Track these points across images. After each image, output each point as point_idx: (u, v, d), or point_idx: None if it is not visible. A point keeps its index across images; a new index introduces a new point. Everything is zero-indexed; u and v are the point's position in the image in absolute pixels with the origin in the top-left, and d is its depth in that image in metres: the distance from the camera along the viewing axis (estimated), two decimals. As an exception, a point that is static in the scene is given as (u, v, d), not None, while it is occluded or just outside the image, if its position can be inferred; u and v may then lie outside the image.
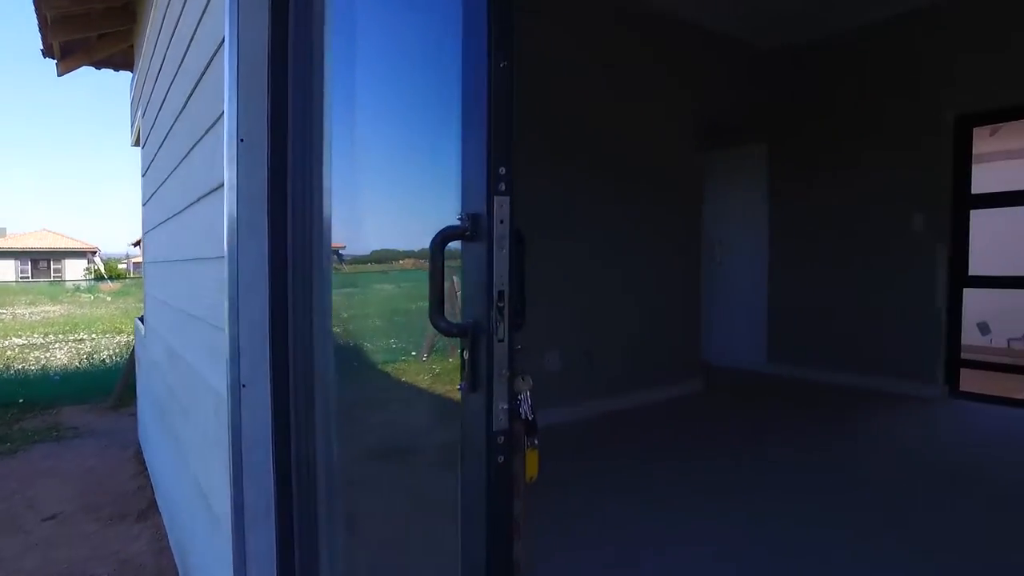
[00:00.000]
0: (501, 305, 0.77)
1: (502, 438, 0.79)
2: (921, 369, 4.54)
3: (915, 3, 4.45)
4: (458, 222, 0.80)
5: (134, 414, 4.58)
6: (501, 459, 0.79)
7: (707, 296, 5.87)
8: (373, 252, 1.45)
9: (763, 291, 5.52)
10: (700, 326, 4.85)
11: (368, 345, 1.56)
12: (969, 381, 4.59)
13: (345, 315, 1.45)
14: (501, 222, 0.76)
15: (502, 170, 0.75)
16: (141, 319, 4.13)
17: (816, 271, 5.12)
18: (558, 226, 3.95)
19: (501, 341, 0.78)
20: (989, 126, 7.38)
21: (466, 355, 0.80)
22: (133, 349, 5.38)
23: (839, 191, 4.97)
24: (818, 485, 2.84)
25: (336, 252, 1.35)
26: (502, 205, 0.75)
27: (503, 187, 0.75)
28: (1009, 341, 7.76)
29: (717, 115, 4.93)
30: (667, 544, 2.28)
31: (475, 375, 0.80)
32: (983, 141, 7.65)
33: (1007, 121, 4.51)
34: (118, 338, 9.40)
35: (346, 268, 1.43)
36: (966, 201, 4.42)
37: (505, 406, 0.80)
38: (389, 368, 1.53)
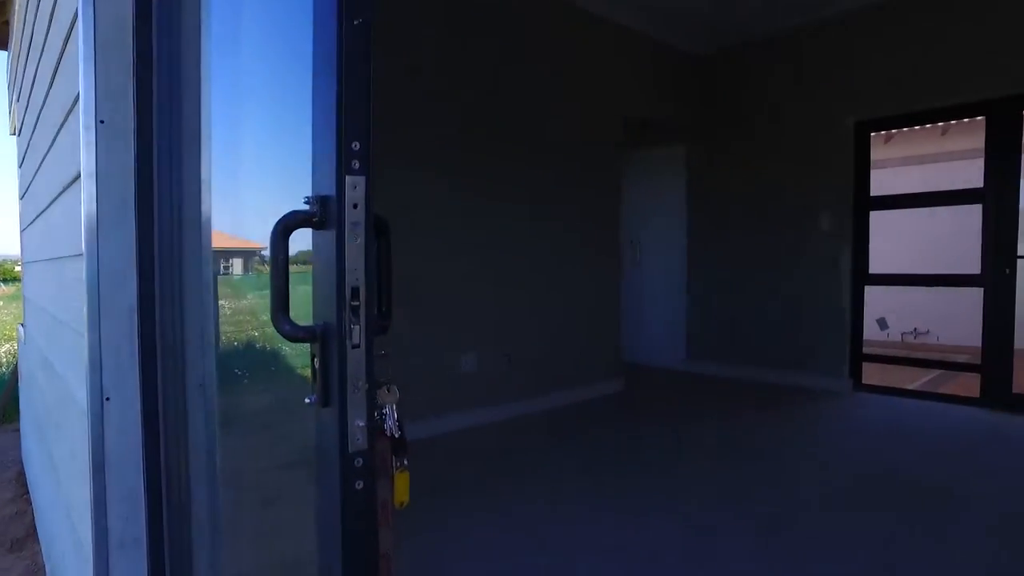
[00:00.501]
0: (356, 304, 0.65)
1: (360, 460, 0.68)
2: (829, 364, 4.74)
3: (820, 14, 4.65)
4: (305, 206, 0.68)
5: (18, 430, 4.18)
6: (360, 485, 0.68)
7: (627, 296, 5.94)
8: (299, 252, 1.32)
9: (681, 290, 5.63)
10: (620, 326, 4.88)
11: (273, 351, 1.43)
12: (870, 374, 4.83)
13: (254, 319, 1.31)
14: (355, 206, 0.64)
15: (355, 145, 0.64)
16: (23, 325, 3.77)
17: (732, 271, 5.26)
18: (475, 223, 3.87)
19: (356, 347, 0.67)
20: (885, 133, 7.91)
21: (317, 363, 0.69)
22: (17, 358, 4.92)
23: (752, 193, 5.12)
24: (725, 482, 2.88)
25: (257, 253, 1.22)
26: (356, 186, 0.64)
27: (357, 165, 0.64)
28: (903, 335, 8.29)
29: (637, 115, 4.97)
30: (574, 550, 2.24)
31: (326, 387, 0.68)
32: (880, 148, 8.15)
33: (897, 128, 4.76)
34: (6, 346, 8.63)
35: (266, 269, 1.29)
36: (866, 203, 4.65)
37: (363, 423, 0.69)
38: (293, 375, 1.41)
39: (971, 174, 4.28)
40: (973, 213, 4.24)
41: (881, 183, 4.77)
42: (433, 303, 3.65)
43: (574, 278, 4.49)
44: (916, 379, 5.68)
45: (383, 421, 0.69)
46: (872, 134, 4.69)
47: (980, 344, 4.25)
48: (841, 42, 4.62)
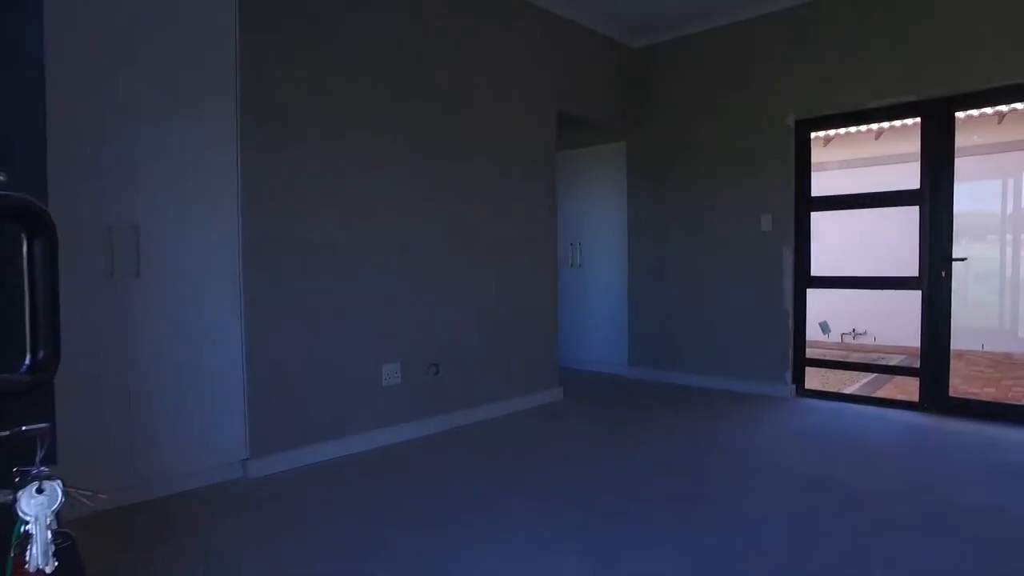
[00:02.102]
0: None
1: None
2: (772, 369, 4.62)
3: (762, 10, 4.54)
4: None
5: None
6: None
7: (567, 300, 5.73)
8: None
9: (623, 294, 5.45)
10: (557, 332, 4.65)
11: None
12: (813, 377, 4.75)
13: None
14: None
15: None
16: None
17: (675, 274, 5.11)
18: (399, 225, 3.56)
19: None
20: (823, 136, 7.96)
21: None
22: None
23: (693, 192, 4.98)
24: (663, 489, 2.67)
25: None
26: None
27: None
28: (842, 335, 8.36)
29: (572, 111, 4.76)
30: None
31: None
32: (819, 151, 8.20)
33: (838, 127, 4.69)
34: None
35: None
36: (807, 204, 4.55)
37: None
38: None
39: (906, 177, 4.22)
40: (912, 215, 4.18)
41: (820, 186, 4.69)
42: (351, 311, 3.33)
43: (508, 282, 4.23)
44: (857, 381, 5.67)
45: (22, 550, 0.39)
46: (812, 135, 4.60)
47: (913, 343, 4.20)
48: (782, 39, 4.51)
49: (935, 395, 4.09)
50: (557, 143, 4.65)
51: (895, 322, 6.79)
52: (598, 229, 5.65)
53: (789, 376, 4.56)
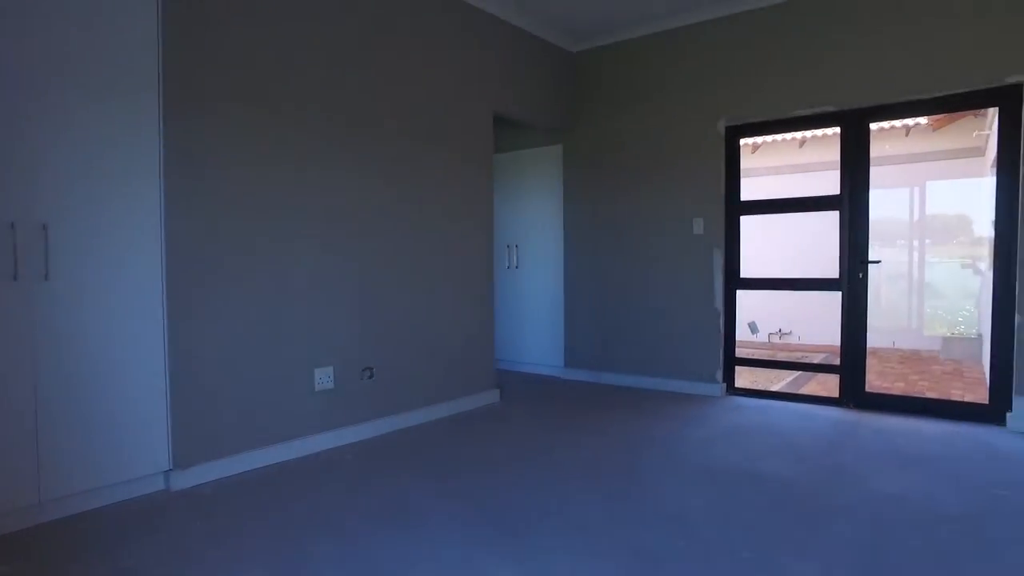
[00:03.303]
0: None
1: None
2: (703, 369, 4.74)
3: (695, 18, 4.66)
4: None
5: None
6: None
7: (504, 302, 5.73)
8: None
9: (559, 296, 5.49)
10: (493, 334, 4.63)
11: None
12: (742, 376, 4.91)
13: None
14: None
15: None
16: None
17: (610, 275, 5.18)
18: (334, 226, 3.47)
19: None
20: (751, 143, 8.28)
21: None
22: None
23: (630, 195, 5.06)
24: (598, 489, 2.69)
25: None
26: None
27: None
28: (769, 335, 8.71)
29: (509, 113, 4.75)
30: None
31: None
32: (747, 158, 8.52)
33: (766, 133, 4.86)
34: None
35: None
36: (737, 208, 4.70)
37: None
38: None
39: (828, 184, 4.42)
40: (833, 220, 4.38)
41: (750, 191, 4.85)
42: (282, 314, 3.21)
43: (444, 285, 4.18)
44: (783, 378, 5.91)
45: None
46: (742, 141, 4.76)
47: (835, 342, 4.39)
48: (714, 48, 4.64)
49: (853, 391, 4.30)
50: (494, 145, 4.63)
51: (818, 322, 7.12)
52: (535, 231, 5.68)
53: (720, 375, 4.69)
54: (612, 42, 5.11)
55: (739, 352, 4.93)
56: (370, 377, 3.68)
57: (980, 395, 4.04)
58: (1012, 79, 3.66)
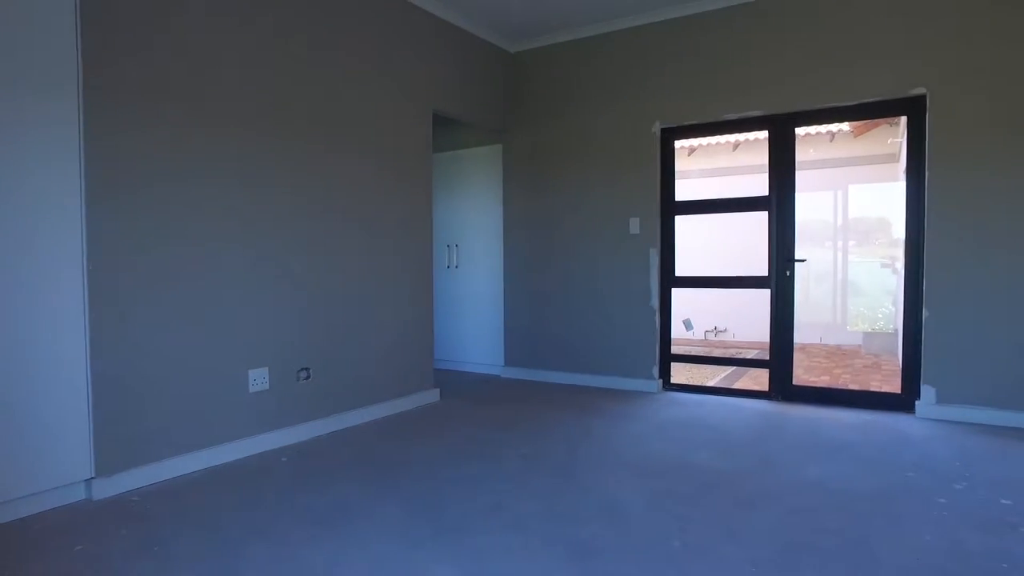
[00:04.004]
0: None
1: None
2: (641, 366, 4.86)
3: (633, 22, 4.78)
4: None
5: None
6: None
7: (444, 301, 5.72)
8: None
9: (499, 295, 5.52)
10: (433, 333, 4.62)
11: None
12: (678, 372, 5.05)
13: None
14: None
15: None
16: None
17: (549, 275, 5.24)
18: (265, 225, 3.39)
19: None
20: (688, 146, 8.52)
21: None
22: None
23: (568, 195, 5.14)
24: (537, 485, 2.73)
25: None
26: None
27: None
28: (705, 332, 8.98)
29: (448, 111, 4.76)
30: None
31: None
32: (685, 160, 8.77)
33: (698, 135, 5.01)
34: None
35: None
36: (672, 208, 4.83)
37: None
38: None
39: (758, 186, 4.60)
40: (763, 220, 4.56)
41: (685, 192, 5.00)
42: (215, 314, 3.12)
43: (382, 284, 4.15)
44: (718, 374, 6.11)
45: None
46: (677, 144, 4.90)
47: (766, 339, 4.58)
48: (650, 51, 4.77)
49: (782, 384, 4.49)
50: (434, 144, 4.63)
51: (751, 319, 7.38)
52: (475, 231, 5.69)
53: (656, 372, 4.82)
54: (550, 44, 5.18)
55: (675, 349, 5.07)
56: (307, 378, 3.62)
57: (895, 385, 4.29)
58: (916, 91, 3.91)
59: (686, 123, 4.70)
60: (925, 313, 3.93)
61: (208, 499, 2.69)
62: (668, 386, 4.90)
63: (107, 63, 2.69)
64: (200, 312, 3.06)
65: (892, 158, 7.66)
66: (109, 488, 2.70)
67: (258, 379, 3.34)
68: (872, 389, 5.29)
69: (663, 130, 4.78)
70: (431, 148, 4.55)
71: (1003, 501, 2.61)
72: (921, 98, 3.93)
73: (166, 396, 2.93)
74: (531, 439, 3.59)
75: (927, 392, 3.93)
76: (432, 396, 4.55)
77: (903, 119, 4.18)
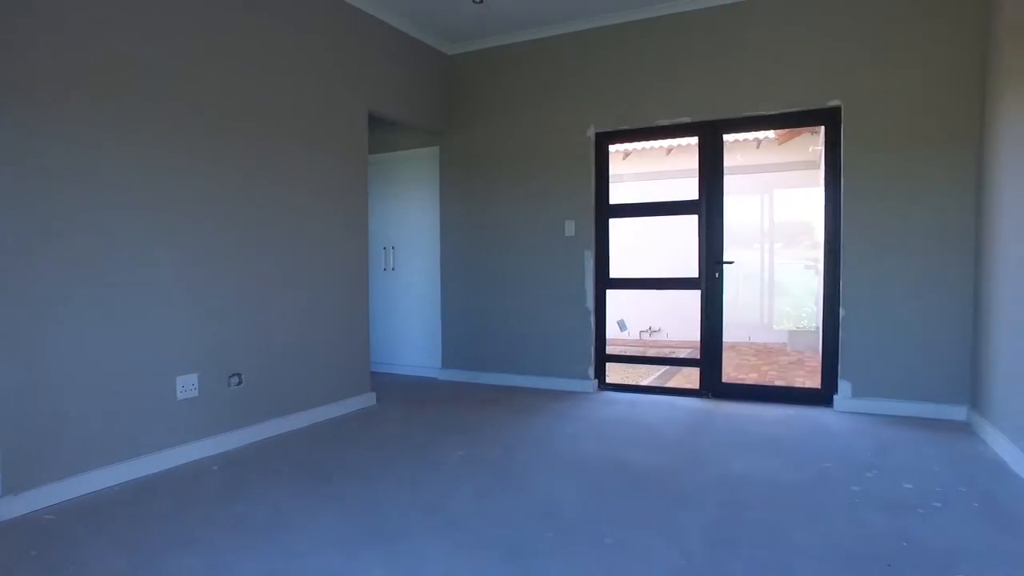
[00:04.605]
0: None
1: None
2: (577, 366, 4.94)
3: (567, 28, 4.86)
4: None
5: None
6: None
7: (381, 304, 5.67)
8: None
9: (436, 297, 5.51)
10: (369, 336, 4.57)
11: None
12: (614, 372, 5.16)
13: None
14: None
15: None
16: None
17: (486, 277, 5.26)
18: (193, 226, 3.28)
19: None
20: (623, 151, 8.71)
21: None
22: None
23: (505, 198, 5.17)
24: (473, 487, 2.75)
25: None
26: None
27: None
28: (640, 332, 9.19)
29: (388, 113, 4.72)
30: None
31: None
32: (620, 164, 8.95)
33: (631, 140, 5.15)
34: None
35: None
36: (607, 211, 4.94)
37: None
38: None
39: (690, 190, 4.75)
40: (693, 223, 4.72)
41: (620, 196, 5.11)
42: (139, 318, 3.00)
43: (316, 286, 4.08)
44: (652, 373, 6.26)
45: None
46: (611, 148, 5.01)
47: (698, 338, 4.73)
48: (585, 57, 4.86)
49: (712, 382, 4.66)
50: (371, 145, 4.58)
51: (683, 319, 7.61)
52: (413, 233, 5.66)
53: (592, 372, 4.91)
54: (487, 47, 5.21)
55: (610, 349, 5.18)
56: (238, 384, 3.52)
57: (816, 381, 4.52)
58: (832, 103, 4.14)
59: (620, 128, 4.81)
60: (842, 312, 4.16)
61: (132, 513, 2.58)
62: (604, 386, 5.00)
63: (14, 50, 2.55)
64: (124, 316, 2.94)
65: (814, 165, 8.04)
66: (18, 507, 2.55)
67: (187, 385, 3.23)
68: (796, 385, 5.55)
69: (598, 134, 4.88)
70: (367, 149, 4.50)
71: (906, 485, 2.80)
72: (837, 109, 4.15)
73: (85, 405, 2.80)
74: (468, 441, 3.60)
75: (844, 386, 4.16)
76: (369, 400, 4.50)
77: (822, 128, 4.40)
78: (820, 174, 4.51)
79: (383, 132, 5.39)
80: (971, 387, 3.83)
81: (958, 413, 3.87)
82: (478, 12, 4.62)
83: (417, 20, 4.79)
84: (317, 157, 4.05)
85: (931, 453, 3.25)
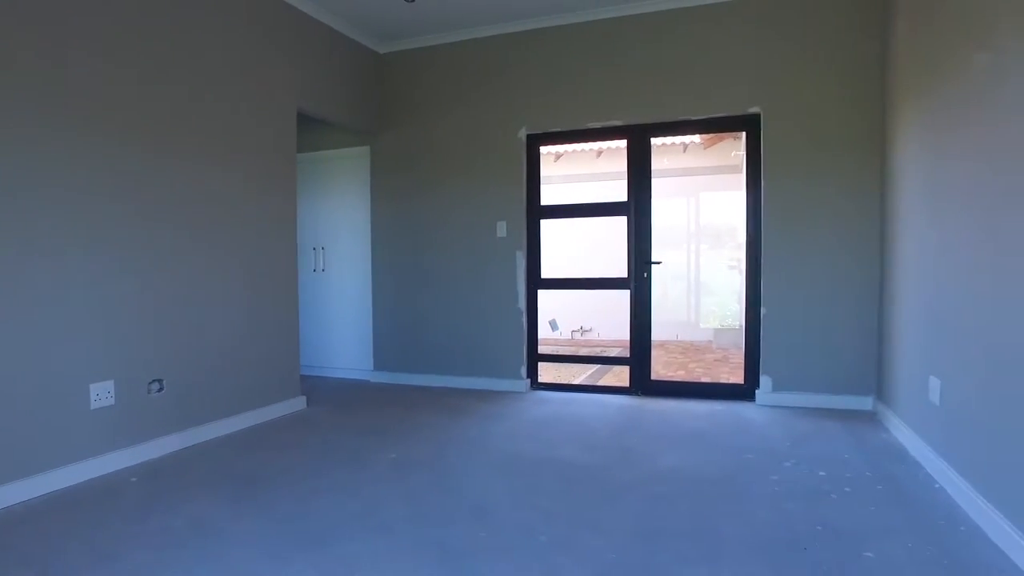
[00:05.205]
0: None
1: None
2: (509, 366, 4.97)
3: (500, 29, 4.89)
4: None
5: None
6: None
7: (311, 305, 5.54)
8: None
9: (368, 298, 5.43)
10: (299, 338, 4.46)
11: None
12: (546, 372, 5.22)
13: None
14: None
15: None
16: None
17: (419, 277, 5.23)
18: (110, 228, 3.12)
19: None
20: (554, 153, 8.82)
21: None
22: None
23: (437, 198, 5.15)
24: (405, 489, 2.73)
25: None
26: None
27: None
28: (572, 332, 9.34)
29: (318, 111, 4.62)
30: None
31: None
32: (551, 166, 9.07)
33: (561, 142, 5.23)
34: None
35: None
36: (538, 212, 5.00)
37: None
38: None
39: (620, 192, 4.86)
40: (623, 224, 4.83)
41: (552, 198, 5.18)
42: (46, 323, 2.82)
43: (243, 288, 3.95)
44: (584, 372, 6.37)
45: None
46: (543, 149, 5.07)
47: (628, 337, 4.86)
48: (517, 59, 4.90)
49: (641, 380, 4.79)
50: (300, 143, 4.47)
51: (614, 319, 7.78)
52: (343, 233, 5.56)
53: (524, 372, 4.96)
54: (419, 46, 5.18)
55: (542, 349, 5.24)
56: (159, 390, 3.37)
57: (740, 377, 4.71)
58: (753, 110, 4.34)
59: (551, 130, 4.88)
60: (763, 310, 4.36)
61: (40, 530, 2.43)
62: (536, 385, 5.06)
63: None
64: (30, 320, 2.76)
65: (737, 169, 8.38)
66: (-87, 525, 2.37)
67: (101, 393, 3.06)
68: (721, 381, 5.77)
69: (529, 136, 4.93)
70: (295, 147, 4.39)
71: (820, 473, 2.97)
72: (757, 116, 4.35)
73: (-14, 417, 2.61)
74: (400, 443, 3.57)
75: (765, 381, 4.36)
76: (298, 404, 4.40)
77: (744, 134, 4.60)
78: (743, 178, 4.71)
79: (313, 130, 5.27)
80: (877, 379, 4.09)
81: (865, 404, 4.13)
82: (410, 11, 4.58)
83: (349, 17, 4.71)
84: (243, 155, 3.92)
85: (842, 442, 3.45)
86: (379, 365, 5.38)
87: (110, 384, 3.11)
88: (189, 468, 3.17)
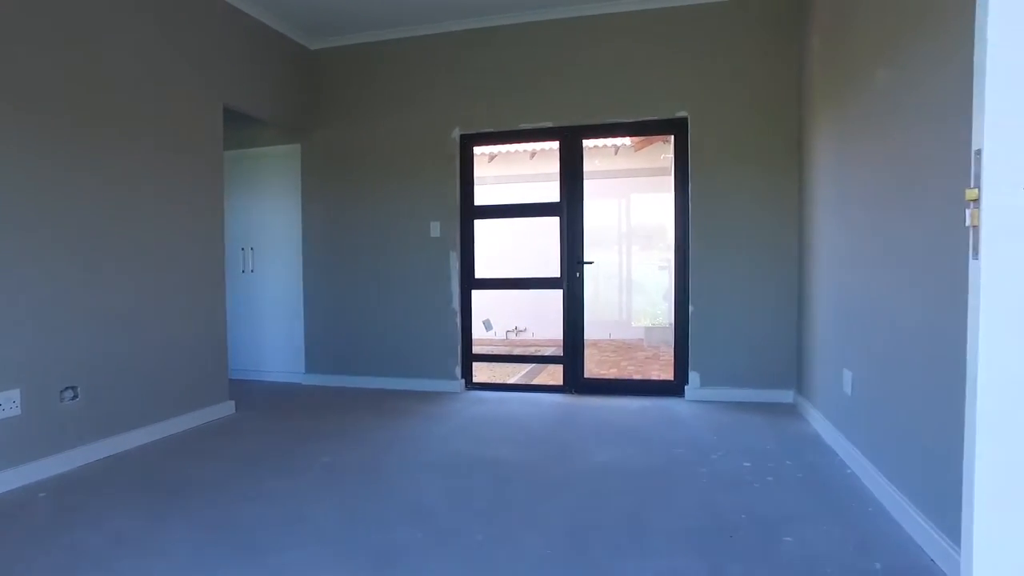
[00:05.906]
0: None
1: None
2: (445, 367, 4.96)
3: (433, 29, 4.87)
4: None
5: None
6: None
7: (239, 307, 5.37)
8: None
9: (299, 300, 5.30)
10: (226, 341, 4.31)
11: None
12: (481, 372, 5.23)
13: None
14: None
15: None
16: None
17: (351, 278, 5.14)
18: (13, 224, 2.93)
19: None
20: (488, 154, 8.85)
21: None
22: None
23: (370, 198, 5.08)
24: (338, 493, 2.69)
25: None
26: None
27: None
28: (507, 332, 9.39)
29: (245, 107, 4.47)
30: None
31: None
32: (486, 167, 9.09)
33: (495, 142, 5.26)
34: None
35: None
36: (471, 212, 5.00)
37: None
38: None
39: (553, 193, 4.93)
40: (555, 225, 4.90)
41: (486, 198, 5.20)
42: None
43: (166, 290, 3.78)
44: (518, 372, 6.42)
45: None
46: (476, 151, 5.08)
47: (562, 337, 4.93)
48: (451, 58, 4.89)
49: (574, 378, 4.87)
50: (227, 141, 4.32)
51: (547, 318, 7.88)
52: (272, 233, 5.41)
53: (459, 372, 4.95)
54: (351, 43, 5.09)
55: (477, 349, 5.25)
56: (74, 398, 3.18)
57: (670, 373, 4.86)
58: (680, 113, 4.49)
59: (485, 130, 4.90)
60: (691, 308, 4.51)
61: (-62, 550, 2.26)
62: (471, 385, 5.06)
63: None
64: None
65: (666, 171, 8.63)
66: None
67: (6, 403, 2.87)
68: (652, 378, 5.94)
69: (463, 136, 4.93)
70: (222, 143, 4.23)
71: (744, 464, 3.11)
72: (684, 120, 4.50)
73: None
74: (333, 447, 3.51)
75: (694, 377, 4.52)
76: (227, 409, 4.25)
77: (672, 137, 4.74)
78: (671, 180, 4.85)
79: (240, 127, 5.10)
80: (797, 374, 4.31)
81: (787, 397, 4.35)
82: (337, 6, 4.50)
83: (276, 11, 4.58)
84: (166, 152, 3.75)
85: (765, 433, 3.62)
86: (311, 368, 5.26)
87: (16, 393, 2.91)
88: (108, 479, 3.01)
